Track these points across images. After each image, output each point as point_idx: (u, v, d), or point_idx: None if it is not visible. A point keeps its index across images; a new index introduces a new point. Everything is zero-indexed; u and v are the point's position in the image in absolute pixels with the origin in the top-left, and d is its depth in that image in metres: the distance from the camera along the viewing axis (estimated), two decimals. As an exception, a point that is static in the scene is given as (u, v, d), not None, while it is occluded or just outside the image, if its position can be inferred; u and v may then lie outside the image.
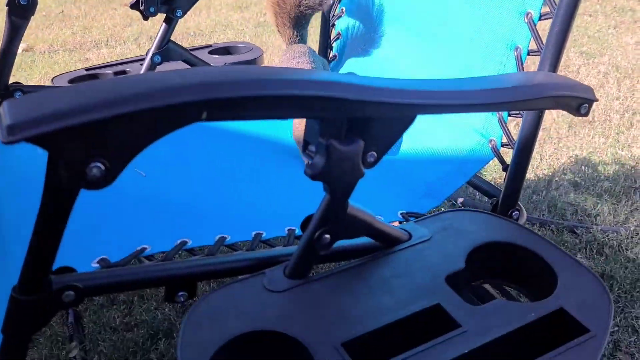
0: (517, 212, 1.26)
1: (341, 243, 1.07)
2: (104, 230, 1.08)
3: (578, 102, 0.98)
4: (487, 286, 1.08)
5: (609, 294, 0.95)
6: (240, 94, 0.69)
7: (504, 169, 1.25)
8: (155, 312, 1.71)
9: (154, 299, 1.77)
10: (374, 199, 1.22)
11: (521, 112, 1.22)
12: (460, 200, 1.98)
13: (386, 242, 1.04)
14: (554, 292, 0.95)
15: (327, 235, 0.94)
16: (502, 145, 1.31)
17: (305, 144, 0.86)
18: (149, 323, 1.67)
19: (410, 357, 0.83)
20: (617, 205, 2.09)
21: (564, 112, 1.00)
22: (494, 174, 2.30)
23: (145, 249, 0.99)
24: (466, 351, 0.85)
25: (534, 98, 0.95)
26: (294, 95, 0.72)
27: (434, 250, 1.03)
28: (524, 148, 1.18)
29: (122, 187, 1.26)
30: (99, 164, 0.63)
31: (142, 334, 1.62)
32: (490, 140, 1.31)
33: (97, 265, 0.94)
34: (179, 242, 1.02)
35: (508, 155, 1.25)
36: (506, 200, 1.23)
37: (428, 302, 0.92)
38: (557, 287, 0.96)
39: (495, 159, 1.32)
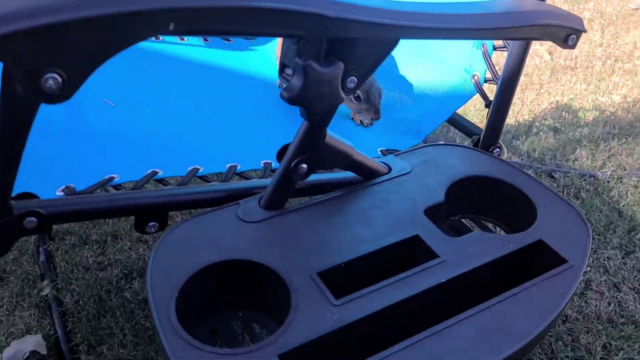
0: (498, 149, 1.24)
1: (318, 177, 1.04)
2: (70, 159, 1.03)
3: (566, 33, 0.95)
4: (465, 221, 1.07)
5: (587, 226, 0.94)
6: (210, 4, 0.64)
7: (487, 105, 1.22)
8: (129, 252, 1.68)
9: (127, 238, 1.74)
10: (353, 137, 1.18)
11: (507, 44, 1.18)
12: (440, 142, 1.95)
13: (365, 175, 1.02)
14: (533, 224, 0.95)
15: (304, 165, 0.91)
16: (486, 81, 1.27)
17: (282, 67, 0.81)
18: (123, 262, 1.64)
19: (387, 286, 0.82)
20: (595, 150, 2.09)
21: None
22: (474, 118, 2.28)
23: (113, 178, 0.94)
24: (444, 280, 0.84)
25: (521, 25, 0.91)
26: (269, 9, 0.67)
27: (414, 184, 1.01)
28: (508, 83, 1.15)
29: (90, 116, 1.21)
30: (55, 75, 0.58)
31: (116, 274, 1.59)
32: (474, 76, 1.28)
33: (61, 193, 0.89)
34: (149, 172, 0.98)
35: (491, 92, 1.22)
36: (488, 136, 1.21)
37: (406, 233, 0.91)
38: (537, 220, 0.95)
39: (478, 95, 1.28)
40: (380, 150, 1.23)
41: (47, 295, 1.55)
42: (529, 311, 0.81)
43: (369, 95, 1.03)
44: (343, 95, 0.80)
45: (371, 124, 1.03)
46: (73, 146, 1.07)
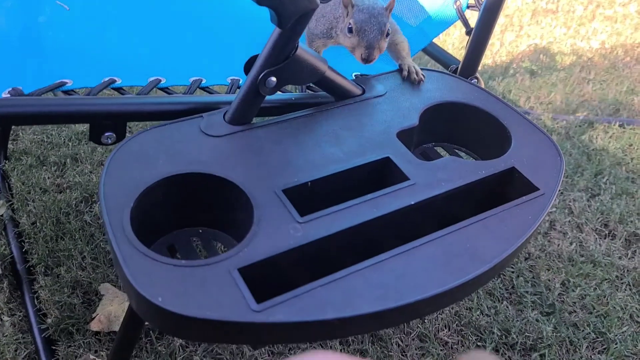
0: (476, 80, 1.20)
1: (288, 95, 0.99)
2: (21, 62, 0.95)
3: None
4: (438, 149, 1.04)
5: (561, 155, 0.93)
6: None
7: (468, 33, 1.17)
8: (90, 175, 1.62)
9: (88, 162, 1.67)
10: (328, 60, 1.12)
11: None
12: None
13: (337, 95, 0.97)
14: (507, 152, 0.92)
15: (273, 78, 0.85)
16: (468, 7, 1.22)
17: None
18: (83, 186, 1.58)
19: (354, 206, 0.79)
20: (570, 95, 2.08)
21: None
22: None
23: (65, 82, 0.87)
24: (413, 203, 0.81)
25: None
26: None
27: (388, 106, 0.96)
28: (491, 9, 1.10)
29: (42, 18, 1.12)
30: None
31: (76, 197, 1.53)
32: (456, 1, 1.22)
33: (7, 95, 0.82)
34: (106, 79, 0.91)
35: (472, 20, 1.17)
36: (466, 66, 1.16)
37: (377, 155, 0.87)
38: (511, 148, 0.93)
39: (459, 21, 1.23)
40: (355, 75, 1.18)
41: (2, 215, 1.49)
42: (496, 236, 0.79)
43: (362, 29, 0.96)
44: (318, 0, 0.74)
45: (369, 61, 0.97)
46: (24, 50, 0.99)
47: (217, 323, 0.65)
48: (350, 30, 0.94)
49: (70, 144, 1.73)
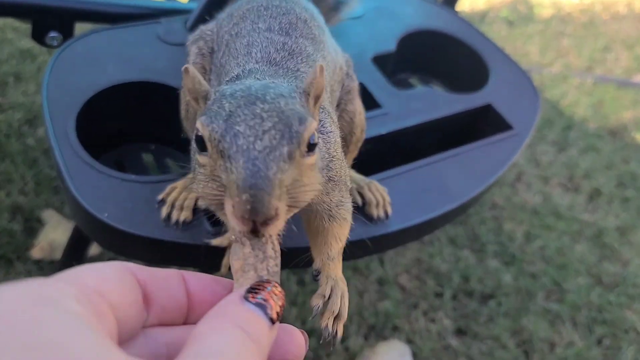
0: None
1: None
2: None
3: None
4: (414, 80, 0.99)
5: (538, 95, 0.89)
6: None
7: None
8: (34, 96, 1.50)
9: (33, 81, 1.54)
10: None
11: None
12: None
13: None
14: (484, 87, 0.87)
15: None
16: None
17: None
18: (27, 107, 1.46)
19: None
20: (546, 48, 2.05)
21: None
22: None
23: (6, -28, 0.77)
24: (384, 133, 0.76)
25: None
26: None
27: (365, 29, 0.90)
28: None
29: None
30: None
31: (18, 118, 1.42)
32: None
33: (-64, -23, 0.72)
34: (53, -27, 0.81)
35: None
36: (448, -2, 1.10)
37: (349, 79, 0.81)
38: (488, 84, 0.88)
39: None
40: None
41: None
42: (467, 173, 0.75)
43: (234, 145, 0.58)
44: None
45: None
46: None
47: (167, 244, 0.59)
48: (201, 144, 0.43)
49: (13, 61, 1.59)
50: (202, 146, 0.41)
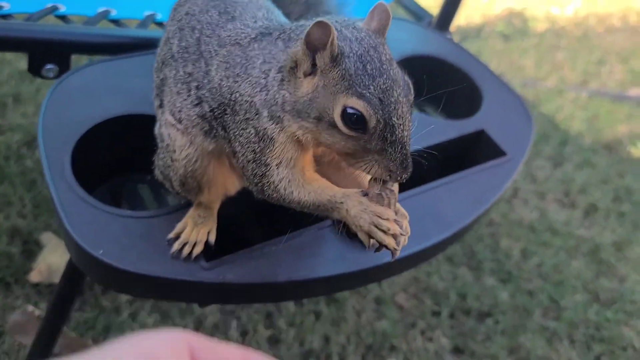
0: (450, 36, 1.14)
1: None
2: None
3: None
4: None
5: (531, 120, 0.89)
6: None
7: (445, -16, 1.11)
8: (33, 117, 1.50)
9: (32, 102, 1.55)
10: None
11: None
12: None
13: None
14: (477, 113, 0.88)
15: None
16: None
17: None
18: (26, 128, 1.47)
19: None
20: (541, 61, 2.06)
21: None
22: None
23: (1, 6, 0.78)
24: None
25: None
26: None
27: (357, 56, 0.90)
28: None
29: None
30: None
31: (17, 140, 1.42)
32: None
33: None
34: (49, 5, 0.82)
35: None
36: (441, 19, 1.11)
37: (343, 107, 0.82)
38: (481, 108, 0.89)
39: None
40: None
41: None
42: (461, 201, 0.76)
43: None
44: None
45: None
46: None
47: (163, 280, 0.60)
48: (352, 118, 0.51)
49: (12, 82, 1.60)
50: (356, 124, 0.51)
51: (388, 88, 0.52)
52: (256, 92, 0.53)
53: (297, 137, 0.54)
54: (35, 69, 0.77)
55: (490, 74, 0.94)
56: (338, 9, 0.86)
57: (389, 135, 0.52)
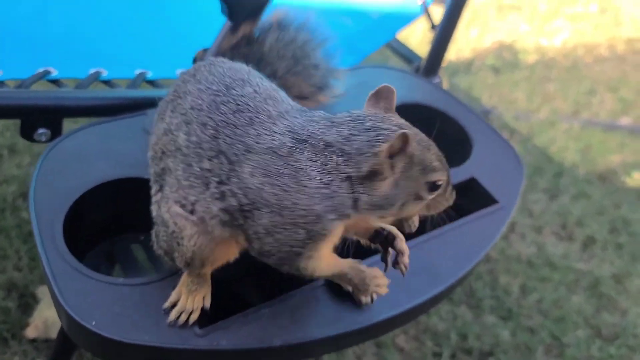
0: (439, 80, 1.16)
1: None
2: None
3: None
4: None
5: (522, 167, 0.90)
6: None
7: (432, 28, 1.13)
8: (28, 168, 1.51)
9: (27, 153, 1.56)
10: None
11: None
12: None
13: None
14: (467, 161, 0.89)
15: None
16: (433, 1, 1.18)
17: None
18: (21, 179, 1.47)
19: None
20: (532, 93, 2.08)
21: None
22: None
23: (-6, 74, 0.79)
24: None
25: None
26: None
27: (347, 105, 0.91)
28: (457, 4, 1.06)
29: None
30: None
31: (13, 191, 1.43)
32: (421, -4, 1.18)
33: None
34: (40, 70, 0.83)
35: (437, 15, 1.13)
36: (430, 63, 1.12)
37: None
38: (471, 156, 0.89)
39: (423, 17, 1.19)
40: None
41: None
42: (455, 252, 0.76)
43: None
44: (273, -7, 0.68)
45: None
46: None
47: (157, 350, 0.60)
48: (434, 187, 0.63)
49: (7, 134, 1.61)
50: (436, 188, 0.63)
51: (433, 147, 0.65)
52: (316, 201, 0.57)
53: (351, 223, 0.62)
54: (27, 134, 0.78)
55: (478, 119, 0.95)
56: (325, 61, 0.87)
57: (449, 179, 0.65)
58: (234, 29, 0.73)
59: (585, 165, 1.78)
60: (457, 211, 0.82)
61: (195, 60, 0.80)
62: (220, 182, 0.58)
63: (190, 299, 0.63)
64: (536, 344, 1.27)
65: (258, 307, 0.64)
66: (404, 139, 0.57)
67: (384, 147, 0.57)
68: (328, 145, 0.58)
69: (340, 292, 0.67)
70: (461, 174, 0.86)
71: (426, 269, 0.72)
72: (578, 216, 1.59)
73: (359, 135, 0.59)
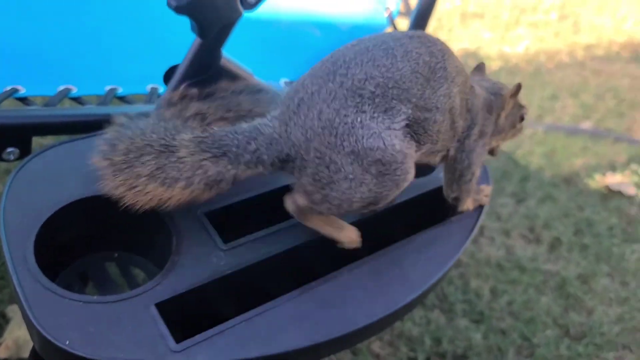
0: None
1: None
2: None
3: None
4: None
5: (488, 175, 0.93)
6: None
7: (398, 41, 1.15)
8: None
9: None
10: (256, 66, 1.07)
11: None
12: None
13: (265, 107, 0.92)
14: (435, 169, 0.91)
15: (195, 90, 0.80)
16: (399, 14, 1.20)
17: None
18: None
19: (282, 230, 0.75)
20: (497, 100, 2.13)
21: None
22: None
23: (-40, 93, 0.78)
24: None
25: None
26: None
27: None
28: (422, 16, 1.09)
29: None
30: None
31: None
32: (387, 9, 1.20)
33: None
34: (8, 88, 0.82)
35: (402, 27, 1.15)
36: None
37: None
38: (438, 167, 0.91)
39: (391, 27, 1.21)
40: (285, 82, 1.14)
41: None
42: (426, 259, 0.78)
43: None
44: (241, 9, 0.69)
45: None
46: None
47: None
48: (522, 118, 0.95)
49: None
50: (522, 119, 0.95)
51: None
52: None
53: None
54: (-5, 154, 0.77)
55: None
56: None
57: None
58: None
59: (550, 169, 1.84)
60: (428, 219, 0.84)
61: (166, 77, 0.80)
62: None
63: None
64: (508, 345, 1.30)
65: (234, 320, 0.64)
66: (519, 87, 0.87)
67: (509, 91, 0.87)
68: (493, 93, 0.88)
69: (319, 301, 0.68)
70: (430, 183, 0.88)
71: (399, 277, 0.73)
72: (545, 219, 1.64)
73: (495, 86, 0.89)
